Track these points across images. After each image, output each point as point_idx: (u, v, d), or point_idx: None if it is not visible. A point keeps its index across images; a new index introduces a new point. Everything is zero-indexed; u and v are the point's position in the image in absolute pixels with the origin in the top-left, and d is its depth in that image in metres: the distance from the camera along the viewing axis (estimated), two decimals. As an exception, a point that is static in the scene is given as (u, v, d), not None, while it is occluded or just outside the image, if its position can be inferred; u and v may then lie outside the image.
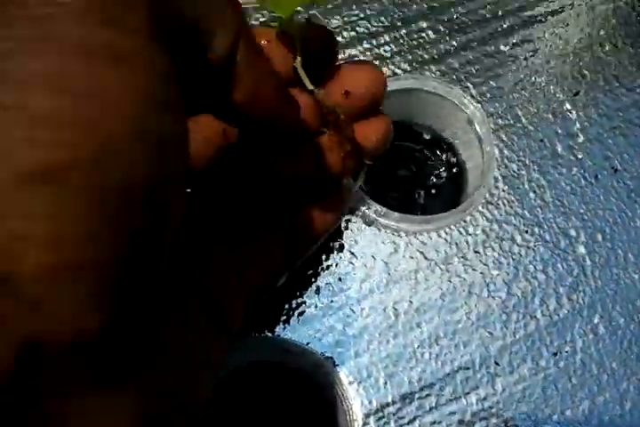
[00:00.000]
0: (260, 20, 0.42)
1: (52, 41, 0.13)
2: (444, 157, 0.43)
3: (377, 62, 0.41)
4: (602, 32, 0.44)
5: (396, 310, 0.36)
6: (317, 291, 0.36)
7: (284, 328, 0.35)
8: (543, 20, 0.44)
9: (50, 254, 0.12)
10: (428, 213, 0.42)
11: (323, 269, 0.36)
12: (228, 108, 0.20)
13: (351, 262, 0.37)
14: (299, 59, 0.24)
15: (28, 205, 0.12)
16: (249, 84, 0.19)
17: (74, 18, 0.13)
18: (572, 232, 0.39)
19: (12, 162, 0.12)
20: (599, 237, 0.39)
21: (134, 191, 0.13)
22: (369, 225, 0.37)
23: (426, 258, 0.37)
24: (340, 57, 0.40)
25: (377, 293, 0.36)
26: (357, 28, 0.42)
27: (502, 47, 0.43)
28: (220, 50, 0.18)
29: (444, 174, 0.43)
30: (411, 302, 0.36)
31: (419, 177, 0.43)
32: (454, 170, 0.43)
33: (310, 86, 0.25)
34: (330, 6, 0.42)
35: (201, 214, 0.24)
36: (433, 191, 0.43)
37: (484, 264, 0.38)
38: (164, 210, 0.15)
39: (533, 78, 0.42)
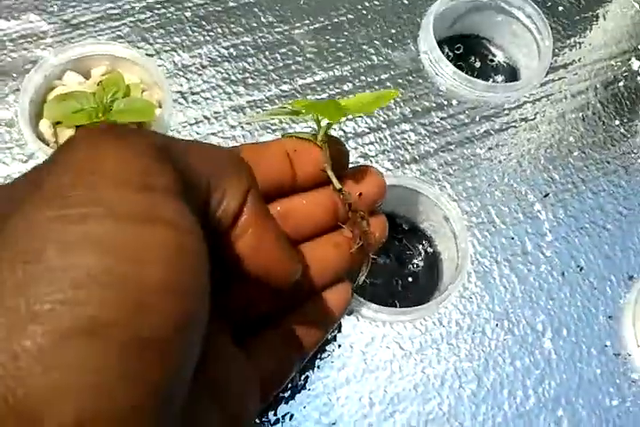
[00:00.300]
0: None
1: (95, 206, 0.16)
2: (421, 247, 0.47)
3: (361, 160, 0.45)
4: (571, 139, 0.49)
5: (371, 399, 0.38)
6: (292, 378, 0.38)
7: (261, 415, 0.37)
8: (517, 125, 0.48)
9: (89, 403, 0.14)
10: (405, 300, 0.45)
11: (303, 356, 0.39)
12: (227, 262, 0.22)
13: (330, 351, 0.39)
14: (328, 162, 0.29)
15: (72, 358, 0.14)
16: (252, 238, 0.22)
17: (114, 184, 0.16)
18: (540, 327, 0.42)
19: (58, 318, 0.14)
20: (564, 331, 0.42)
21: (167, 341, 0.16)
22: (349, 315, 0.40)
23: (401, 348, 0.40)
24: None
25: (353, 382, 0.38)
26: (345, 128, 0.46)
27: (478, 150, 0.47)
28: (230, 208, 0.21)
29: (421, 264, 0.46)
30: (385, 391, 0.38)
31: (397, 265, 0.46)
32: (430, 260, 0.46)
33: (339, 186, 0.29)
34: (321, 108, 0.46)
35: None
36: (410, 279, 0.46)
37: (457, 356, 0.40)
38: (190, 352, 0.17)
39: (506, 180, 0.46)
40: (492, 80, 0.54)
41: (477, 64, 0.55)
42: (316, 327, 0.29)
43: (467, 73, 0.54)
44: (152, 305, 0.16)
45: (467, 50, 0.55)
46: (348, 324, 0.40)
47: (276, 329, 0.28)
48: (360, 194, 0.30)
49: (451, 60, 0.54)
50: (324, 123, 0.29)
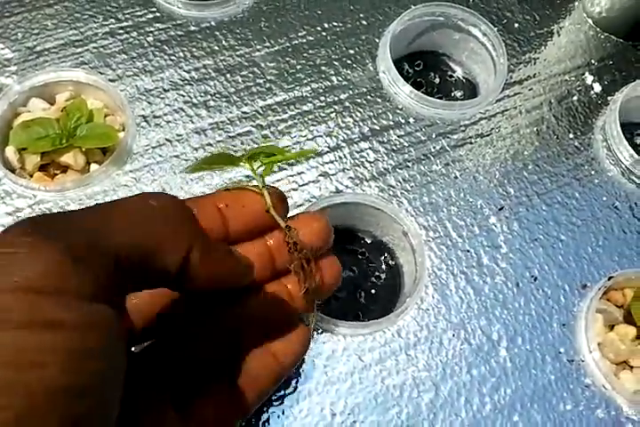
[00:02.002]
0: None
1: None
2: (383, 260, 0.51)
3: (322, 179, 0.49)
4: (526, 153, 0.53)
5: (332, 410, 0.42)
6: (260, 392, 0.42)
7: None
8: (472, 141, 0.53)
9: None
10: (368, 312, 0.49)
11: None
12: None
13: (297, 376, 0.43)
14: (269, 205, 0.30)
15: None
16: (204, 277, 0.25)
17: (21, 290, 0.19)
18: (495, 336, 0.46)
19: None
20: (519, 340, 0.46)
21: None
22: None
23: (361, 360, 0.44)
24: (288, 173, 0.48)
25: (315, 394, 0.42)
26: (305, 148, 0.50)
27: (435, 166, 0.51)
28: (173, 266, 0.24)
29: (383, 276, 0.50)
30: (346, 402, 0.42)
31: (361, 278, 0.50)
32: (393, 272, 0.50)
33: (283, 224, 0.31)
34: (281, 127, 0.51)
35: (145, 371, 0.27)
36: (373, 291, 0.50)
37: (415, 366, 0.44)
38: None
39: (462, 195, 0.50)
40: (452, 95, 0.59)
41: (437, 80, 0.59)
42: (262, 380, 0.30)
43: (427, 89, 0.59)
44: (45, 408, 0.18)
45: (427, 66, 0.59)
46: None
47: (221, 385, 0.29)
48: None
49: (411, 77, 0.59)
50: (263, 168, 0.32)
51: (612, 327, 0.49)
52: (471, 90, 0.59)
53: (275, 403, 0.41)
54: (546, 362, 0.46)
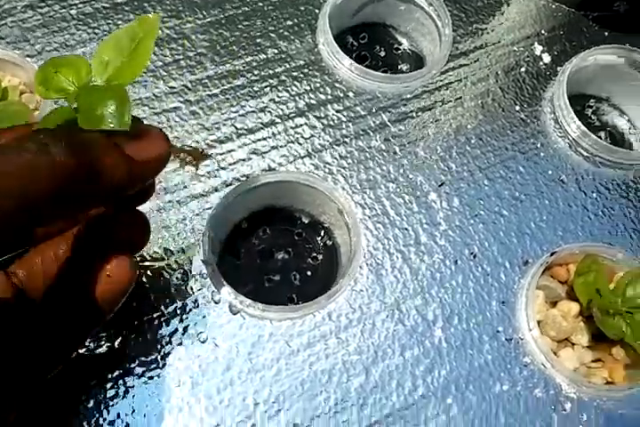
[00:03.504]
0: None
1: None
2: (320, 240, 0.45)
3: (254, 156, 0.44)
4: (469, 126, 0.47)
5: (255, 399, 0.37)
6: (179, 384, 0.37)
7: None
8: (414, 115, 0.47)
9: None
10: (303, 294, 0.44)
11: (188, 359, 0.37)
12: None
13: (214, 352, 0.38)
14: None
15: None
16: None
17: None
18: (430, 316, 0.41)
19: None
20: (455, 319, 0.41)
21: None
22: (234, 314, 0.39)
23: (288, 345, 0.39)
24: (216, 151, 0.42)
25: (238, 383, 0.37)
26: (236, 124, 0.44)
27: (374, 142, 0.46)
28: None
29: (320, 257, 0.45)
30: (271, 390, 0.37)
31: (296, 260, 0.45)
32: (330, 252, 0.45)
33: None
34: (211, 103, 0.45)
35: None
36: (309, 273, 0.45)
37: (345, 350, 0.39)
38: None
39: (401, 171, 0.45)
40: (398, 69, 0.53)
41: (382, 53, 0.53)
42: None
43: (372, 62, 0.53)
44: None
45: (371, 39, 0.53)
46: (233, 324, 0.39)
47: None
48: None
49: (355, 50, 0.53)
50: None
51: (554, 304, 0.44)
52: (418, 63, 0.53)
53: (193, 392, 0.37)
54: (483, 342, 0.41)
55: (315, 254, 0.45)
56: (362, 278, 0.42)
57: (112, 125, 0.24)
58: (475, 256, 0.44)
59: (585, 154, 0.48)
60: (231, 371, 0.38)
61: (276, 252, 0.45)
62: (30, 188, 0.20)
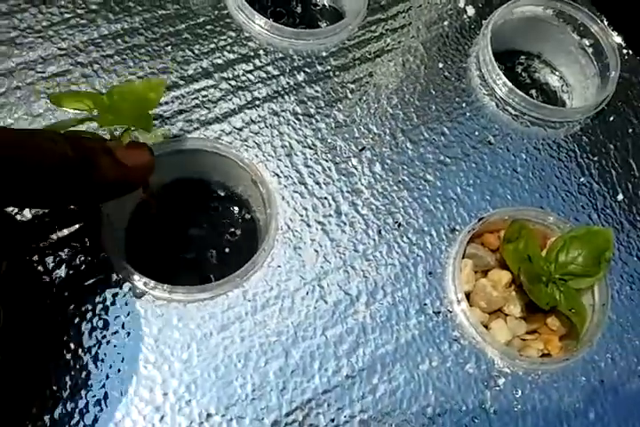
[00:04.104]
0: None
1: None
2: (237, 214, 0.41)
3: (157, 123, 0.39)
4: (390, 86, 0.44)
5: (163, 390, 0.33)
6: (77, 386, 0.32)
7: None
8: (331, 75, 0.43)
9: None
10: (221, 273, 0.40)
11: (84, 350, 0.33)
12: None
13: (118, 339, 0.34)
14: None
15: None
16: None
17: None
18: (354, 291, 0.38)
19: None
20: (381, 293, 0.38)
21: None
22: (139, 297, 0.35)
23: (200, 329, 0.35)
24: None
25: (143, 373, 0.33)
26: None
27: (288, 105, 0.41)
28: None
29: (239, 232, 0.41)
30: (181, 379, 0.34)
31: (213, 236, 0.41)
32: (249, 227, 0.41)
33: None
34: (106, 64, 0.39)
35: None
36: (227, 250, 0.41)
37: (263, 331, 0.36)
38: None
39: (319, 135, 0.41)
40: (317, 26, 0.48)
41: (299, 9, 0.49)
42: None
43: (288, 19, 0.48)
44: None
45: (286, -6, 0.48)
46: (139, 308, 0.34)
47: None
48: None
49: (269, 6, 0.48)
50: None
51: (485, 274, 0.41)
52: (339, 20, 0.49)
53: (95, 386, 0.33)
54: (409, 316, 0.38)
55: (233, 229, 0.41)
56: (279, 253, 0.38)
57: (137, 124, 0.31)
58: (399, 225, 0.40)
59: (513, 113, 0.45)
60: (136, 359, 0.34)
61: (190, 228, 0.40)
62: (45, 162, 0.26)
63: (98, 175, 0.28)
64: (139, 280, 0.35)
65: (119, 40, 0.40)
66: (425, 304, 0.39)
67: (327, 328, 0.37)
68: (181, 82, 0.40)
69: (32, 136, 0.26)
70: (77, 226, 0.35)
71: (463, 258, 0.40)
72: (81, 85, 0.39)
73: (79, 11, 0.41)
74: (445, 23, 0.46)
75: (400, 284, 0.39)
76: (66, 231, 0.35)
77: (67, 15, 0.40)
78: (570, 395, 0.38)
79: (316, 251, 0.38)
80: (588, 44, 0.48)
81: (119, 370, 0.33)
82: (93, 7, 0.41)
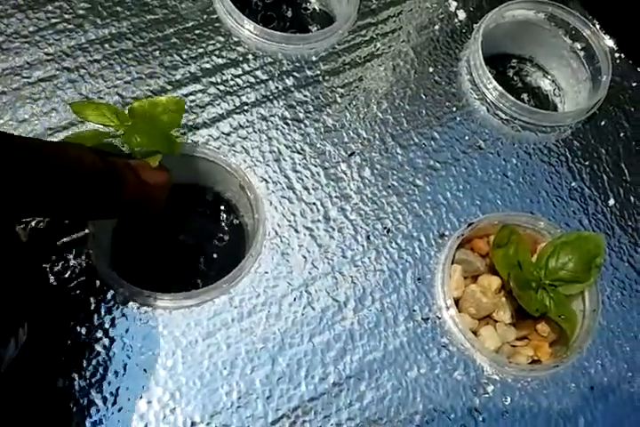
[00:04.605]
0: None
1: None
2: (226, 219, 0.41)
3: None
4: (380, 91, 0.43)
5: (147, 398, 0.33)
6: (63, 384, 0.32)
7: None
8: (320, 80, 0.42)
9: None
10: (208, 279, 0.39)
11: (66, 357, 0.33)
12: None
13: (100, 348, 0.33)
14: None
15: None
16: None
17: None
18: (342, 297, 0.37)
19: None
20: (369, 300, 0.38)
21: None
22: (123, 304, 0.34)
23: (185, 336, 0.34)
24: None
25: (126, 382, 0.33)
26: (121, 93, 0.39)
27: (276, 110, 0.41)
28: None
29: (227, 237, 0.41)
30: (165, 387, 0.33)
31: (200, 242, 0.40)
32: (237, 233, 0.41)
33: None
34: (93, 70, 0.39)
35: None
36: (215, 255, 0.40)
37: (249, 338, 0.35)
38: None
39: (308, 140, 0.41)
40: (308, 30, 0.48)
41: (289, 13, 0.48)
42: None
43: (279, 23, 0.48)
44: None
45: (277, -2, 0.48)
46: (123, 315, 0.34)
47: None
48: None
49: (260, 10, 0.48)
50: None
51: (475, 280, 0.41)
52: (329, 24, 0.48)
53: (78, 394, 0.32)
54: (398, 322, 0.38)
55: (221, 235, 0.41)
56: (266, 259, 0.37)
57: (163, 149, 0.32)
58: (388, 231, 0.40)
59: (504, 117, 0.44)
60: (120, 367, 0.33)
61: (178, 233, 0.40)
62: (74, 172, 0.26)
63: (124, 190, 0.29)
64: (123, 287, 0.34)
65: (106, 45, 0.40)
66: (414, 311, 0.38)
67: (314, 335, 0.36)
68: (169, 87, 0.40)
69: (61, 146, 0.27)
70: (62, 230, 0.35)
71: (452, 263, 0.40)
72: (67, 91, 0.38)
73: (66, 16, 0.40)
74: (436, 27, 0.46)
75: (389, 290, 0.38)
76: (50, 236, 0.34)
77: (54, 20, 0.40)
78: (559, 402, 0.38)
79: (304, 257, 0.38)
80: (579, 47, 0.48)
81: (103, 377, 0.33)
82: (81, 12, 0.40)
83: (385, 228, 0.40)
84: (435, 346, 0.38)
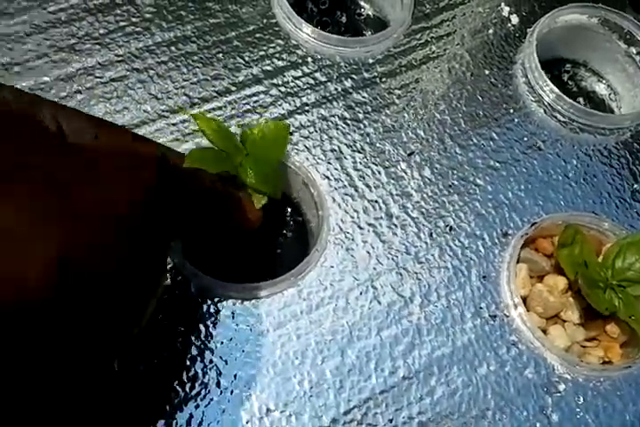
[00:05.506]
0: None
1: None
2: (288, 215, 0.45)
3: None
4: (437, 92, 0.48)
5: (223, 383, 0.37)
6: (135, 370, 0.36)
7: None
8: (378, 81, 0.47)
9: None
10: (272, 274, 0.43)
11: (140, 348, 0.37)
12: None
13: (173, 336, 0.37)
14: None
15: None
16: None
17: None
18: (407, 293, 0.41)
19: None
20: (435, 296, 0.42)
21: None
22: (196, 294, 0.38)
23: (256, 326, 0.38)
24: (169, 121, 0.42)
25: (197, 366, 0.37)
26: (188, 93, 0.44)
27: (336, 110, 0.46)
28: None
29: (290, 234, 0.45)
30: (237, 375, 0.37)
31: (264, 237, 0.44)
32: (299, 229, 0.45)
33: None
34: (160, 71, 0.44)
35: None
36: (278, 251, 0.44)
37: (318, 330, 0.39)
38: None
39: (368, 139, 0.45)
40: (362, 35, 0.53)
41: (344, 19, 0.54)
42: None
43: (333, 29, 0.53)
44: None
45: (332, 4, 0.54)
46: (194, 304, 0.38)
47: None
48: None
49: (315, 15, 0.53)
50: None
51: (541, 279, 0.45)
52: (382, 29, 0.54)
53: (154, 381, 0.36)
54: (465, 319, 0.42)
55: (284, 231, 0.45)
56: (331, 254, 0.42)
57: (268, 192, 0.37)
58: (451, 229, 0.44)
59: (562, 119, 0.49)
60: (194, 355, 0.37)
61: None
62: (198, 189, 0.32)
63: (233, 213, 0.35)
64: (197, 277, 0.39)
65: (173, 47, 0.46)
66: (480, 308, 0.42)
67: (382, 329, 0.40)
68: (233, 88, 0.45)
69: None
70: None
71: (517, 262, 0.44)
72: (137, 90, 0.44)
73: (134, 19, 0.46)
74: (490, 31, 0.51)
75: (454, 287, 0.42)
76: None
77: (122, 23, 0.46)
78: (635, 403, 0.41)
79: (368, 252, 0.42)
80: (635, 52, 0.53)
81: (179, 364, 0.37)
82: (147, 16, 0.46)
83: (447, 226, 0.44)
84: (503, 344, 0.41)
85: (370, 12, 0.54)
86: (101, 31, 0.45)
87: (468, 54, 0.50)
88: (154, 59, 0.45)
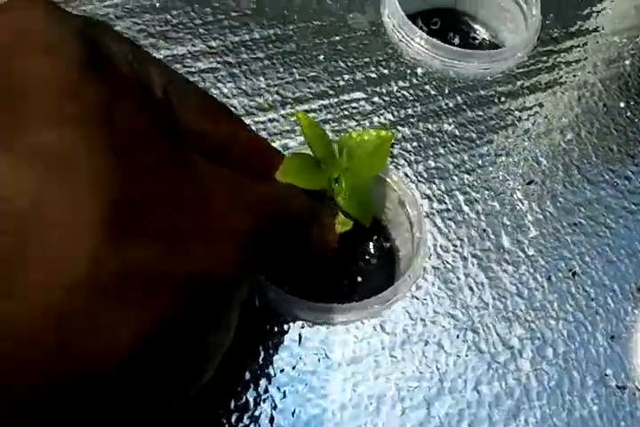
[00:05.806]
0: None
1: None
2: (374, 239, 0.40)
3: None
4: (563, 119, 0.43)
5: (277, 422, 0.30)
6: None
7: None
8: (496, 101, 0.43)
9: None
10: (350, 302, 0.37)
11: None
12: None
13: (234, 360, 0.31)
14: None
15: None
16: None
17: None
18: (516, 343, 0.34)
19: None
20: (550, 352, 0.34)
21: None
22: (264, 309, 0.33)
23: (327, 357, 0.32)
24: (256, 119, 0.38)
25: (251, 399, 0.30)
26: (282, 92, 0.40)
27: (446, 126, 0.41)
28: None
29: (374, 261, 0.39)
30: (295, 413, 0.30)
31: (344, 261, 0.39)
32: (386, 256, 0.40)
33: None
34: (254, 67, 0.41)
35: None
36: (359, 279, 0.39)
37: (401, 373, 0.32)
38: None
39: (480, 161, 0.40)
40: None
41: (456, 41, 0.50)
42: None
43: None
44: None
45: (444, 25, 0.50)
46: (256, 320, 0.32)
47: None
48: None
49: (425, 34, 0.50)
50: None
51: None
52: (498, 56, 0.50)
53: (212, 402, 0.30)
54: (586, 386, 0.34)
55: (367, 257, 0.39)
56: (426, 284, 0.35)
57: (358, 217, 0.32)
58: (574, 274, 0.37)
59: None
60: (247, 380, 0.31)
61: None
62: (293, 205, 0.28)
63: (314, 234, 0.30)
64: (269, 292, 0.33)
65: (270, 45, 0.42)
66: (606, 375, 0.34)
67: (480, 383, 0.33)
68: (331, 91, 0.41)
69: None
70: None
71: (654, 324, 0.37)
72: (227, 84, 0.40)
73: (232, 13, 0.43)
74: (627, 62, 0.46)
75: (574, 345, 0.35)
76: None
77: (219, 16, 0.43)
78: None
79: (471, 288, 0.36)
80: None
81: (236, 385, 0.30)
82: (247, 11, 0.44)
83: (570, 270, 0.37)
84: (633, 422, 0.33)
85: (485, 36, 0.50)
86: (196, 22, 0.42)
87: (601, 84, 0.45)
88: (248, 54, 0.42)
